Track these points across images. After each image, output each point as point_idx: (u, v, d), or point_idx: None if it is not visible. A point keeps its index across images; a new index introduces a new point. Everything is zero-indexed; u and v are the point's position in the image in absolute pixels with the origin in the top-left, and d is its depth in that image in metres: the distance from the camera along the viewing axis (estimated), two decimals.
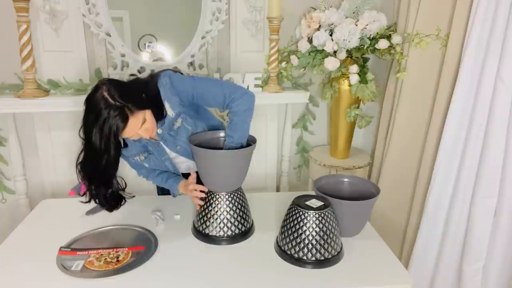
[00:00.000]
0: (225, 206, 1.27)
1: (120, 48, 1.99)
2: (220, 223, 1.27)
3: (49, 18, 1.88)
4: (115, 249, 1.20)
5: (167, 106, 1.32)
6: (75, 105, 1.90)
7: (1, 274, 1.10)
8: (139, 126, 1.23)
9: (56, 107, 1.89)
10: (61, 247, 1.20)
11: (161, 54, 2.10)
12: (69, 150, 2.10)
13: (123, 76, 2.00)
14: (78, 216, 1.41)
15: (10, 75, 1.93)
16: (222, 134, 1.38)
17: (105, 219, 1.39)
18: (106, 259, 1.16)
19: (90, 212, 1.43)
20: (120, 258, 1.16)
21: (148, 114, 1.24)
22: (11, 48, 1.86)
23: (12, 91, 1.91)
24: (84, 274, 1.09)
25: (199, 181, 1.34)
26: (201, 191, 1.31)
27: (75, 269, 1.11)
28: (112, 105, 1.15)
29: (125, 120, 1.17)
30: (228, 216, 1.27)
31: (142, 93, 1.25)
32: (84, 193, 1.34)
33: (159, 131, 1.35)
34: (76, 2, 1.89)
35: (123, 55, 2.00)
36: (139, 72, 2.05)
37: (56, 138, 2.07)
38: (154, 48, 2.09)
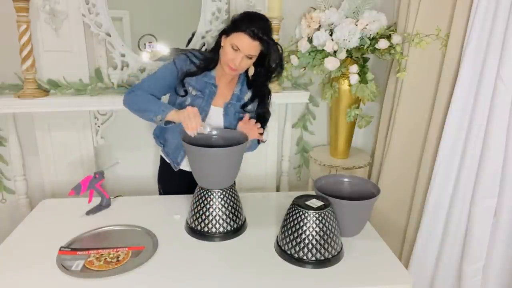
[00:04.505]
0: (217, 203, 1.28)
1: (120, 48, 1.99)
2: (212, 219, 1.28)
3: (49, 18, 1.88)
4: (115, 249, 1.20)
5: (248, 93, 1.53)
6: (75, 105, 1.90)
7: (1, 274, 1.10)
8: (249, 54, 1.37)
9: (56, 107, 1.89)
10: (61, 247, 1.20)
11: (161, 54, 2.10)
12: (69, 150, 2.10)
13: (123, 75, 2.01)
14: (78, 216, 1.41)
15: (10, 75, 1.93)
16: (214, 132, 1.39)
17: (105, 219, 1.39)
18: (106, 259, 1.16)
19: (90, 212, 1.43)
20: (120, 258, 1.16)
21: (254, 60, 1.42)
22: (11, 48, 1.86)
23: (12, 91, 1.91)
24: (84, 274, 1.09)
25: (192, 179, 1.34)
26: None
27: (75, 269, 1.11)
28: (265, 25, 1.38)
29: (254, 37, 1.34)
30: (220, 213, 1.28)
31: (280, 59, 1.45)
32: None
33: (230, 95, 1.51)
34: (76, 2, 1.88)
35: (123, 55, 2.00)
36: (141, 71, 2.05)
37: (56, 138, 2.07)
38: (154, 48, 2.09)
